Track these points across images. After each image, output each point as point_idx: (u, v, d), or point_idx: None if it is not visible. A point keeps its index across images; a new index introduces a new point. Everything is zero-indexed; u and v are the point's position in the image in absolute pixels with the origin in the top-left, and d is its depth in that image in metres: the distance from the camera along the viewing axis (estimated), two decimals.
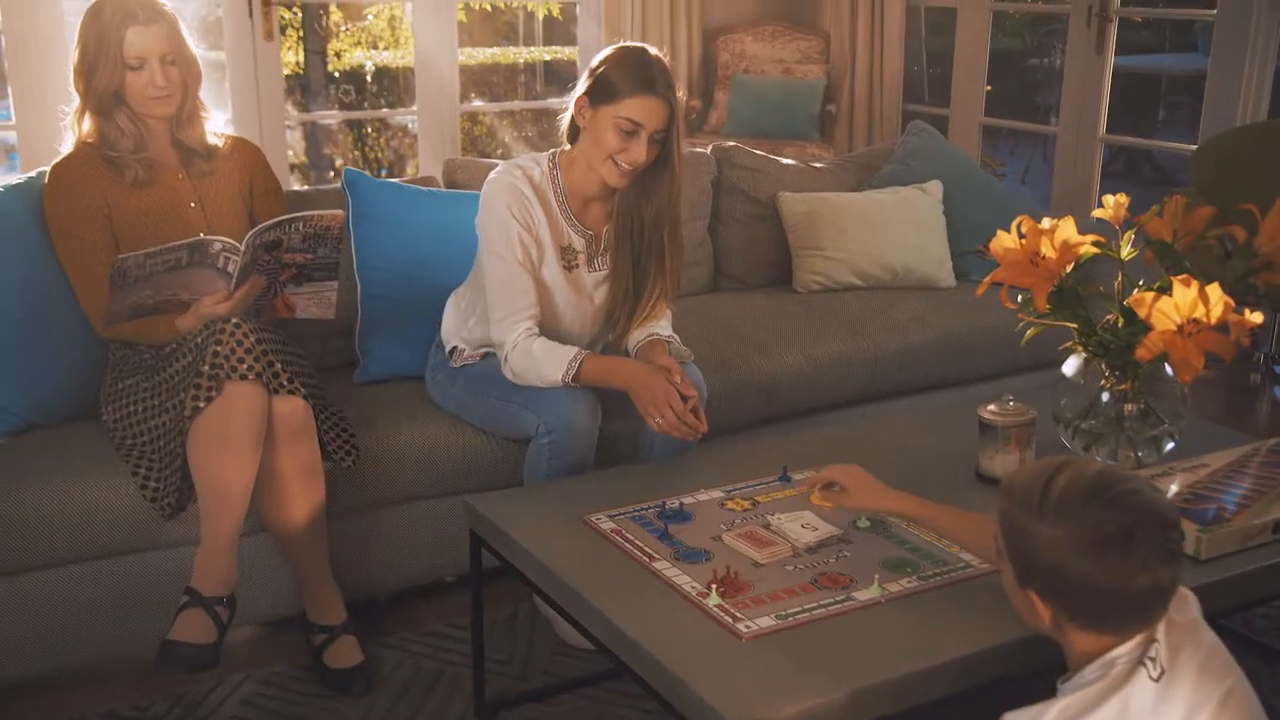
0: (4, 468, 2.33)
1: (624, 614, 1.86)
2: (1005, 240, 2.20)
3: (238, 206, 2.66)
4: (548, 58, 8.10)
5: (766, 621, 1.82)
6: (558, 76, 7.90)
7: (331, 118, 7.65)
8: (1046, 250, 2.14)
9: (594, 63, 2.47)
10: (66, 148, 2.57)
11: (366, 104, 7.59)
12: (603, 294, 2.62)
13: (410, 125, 7.36)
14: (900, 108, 5.86)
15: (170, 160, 2.60)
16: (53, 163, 2.56)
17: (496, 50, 8.20)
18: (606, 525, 2.14)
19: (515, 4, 8.03)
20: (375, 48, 7.91)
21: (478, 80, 7.85)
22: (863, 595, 1.89)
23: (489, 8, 8.05)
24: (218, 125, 2.69)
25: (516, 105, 7.70)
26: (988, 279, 2.26)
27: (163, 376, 2.41)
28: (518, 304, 2.48)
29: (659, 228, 2.56)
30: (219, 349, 2.27)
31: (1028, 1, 7.29)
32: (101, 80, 2.48)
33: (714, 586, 1.90)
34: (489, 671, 2.41)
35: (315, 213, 2.34)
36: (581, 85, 2.48)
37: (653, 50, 2.47)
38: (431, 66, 5.27)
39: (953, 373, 3.27)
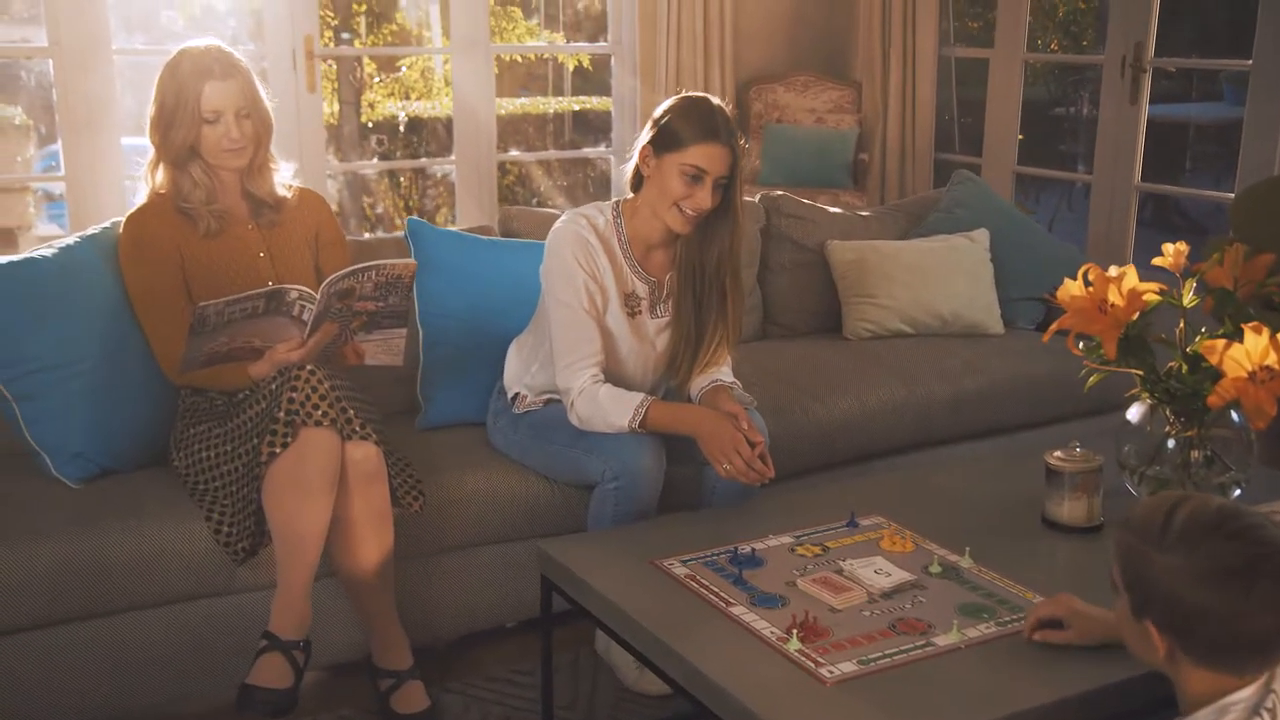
0: (80, 513, 2.36)
1: (706, 658, 1.87)
2: (1072, 288, 2.23)
3: (304, 256, 2.71)
4: (576, 107, 8.21)
5: (849, 667, 1.83)
6: (587, 126, 7.99)
7: (370, 168, 7.75)
8: (1114, 298, 2.16)
9: (658, 112, 2.52)
10: (140, 199, 2.62)
11: (398, 153, 7.68)
12: (665, 340, 2.66)
13: (443, 174, 7.47)
14: (932, 156, 5.91)
15: (240, 211, 2.66)
16: (127, 214, 2.61)
17: (525, 100, 8.31)
18: (679, 570, 2.15)
19: (546, 56, 8.14)
20: (407, 98, 8.02)
21: (508, 130, 7.95)
22: (943, 641, 1.90)
23: (519, 59, 8.17)
24: (285, 176, 2.74)
25: (553, 155, 7.79)
26: (1054, 325, 2.29)
27: (235, 423, 2.45)
28: (583, 350, 2.51)
29: (720, 274, 2.60)
30: (294, 395, 2.30)
31: (1060, 52, 7.36)
32: (178, 134, 2.54)
33: (794, 631, 1.91)
34: (555, 718, 2.41)
35: (388, 261, 2.38)
36: (646, 134, 2.53)
37: (715, 99, 2.52)
38: (470, 116, 5.35)
39: (1004, 419, 3.29)
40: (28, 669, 2.31)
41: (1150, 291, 2.20)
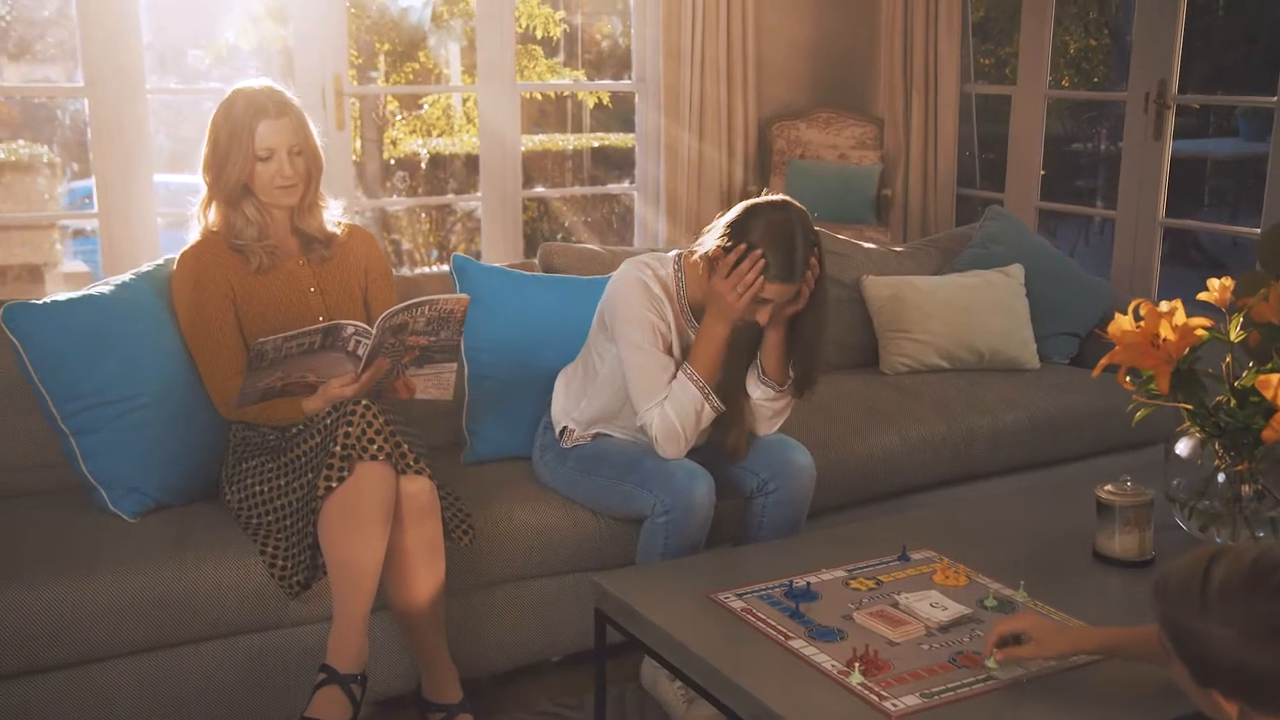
0: (137, 547, 2.38)
1: (769, 692, 1.88)
2: (1123, 323, 2.25)
3: (354, 291, 2.73)
4: (595, 144, 8.27)
5: (913, 700, 1.84)
6: (606, 161, 8.05)
7: (399, 204, 7.81)
8: (1166, 333, 2.18)
9: (741, 225, 2.46)
10: (193, 237, 2.65)
11: (420, 190, 7.74)
12: None
13: (466, 210, 7.53)
14: (954, 192, 5.95)
15: (291, 247, 2.69)
16: (180, 251, 2.64)
17: (544, 136, 8.37)
18: (735, 604, 2.16)
19: (566, 93, 8.22)
20: (429, 135, 8.08)
21: (529, 166, 8.02)
22: (1005, 674, 1.91)
23: (538, 96, 8.24)
24: (335, 214, 2.77)
25: (578, 190, 7.85)
26: (1104, 360, 2.30)
27: (289, 457, 2.47)
28: (664, 390, 2.52)
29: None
30: (349, 430, 2.32)
31: (1070, 88, 7.41)
32: (232, 171, 2.57)
33: (855, 664, 1.92)
34: None
35: (441, 296, 2.41)
36: (722, 241, 2.47)
37: (797, 215, 2.46)
38: (496, 153, 5.40)
39: (1043, 453, 3.30)
40: (88, 702, 2.32)
41: (1201, 327, 2.22)
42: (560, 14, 7.79)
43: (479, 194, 5.47)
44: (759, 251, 2.41)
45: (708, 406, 2.52)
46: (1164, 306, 2.24)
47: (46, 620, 2.23)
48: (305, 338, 2.33)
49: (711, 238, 2.51)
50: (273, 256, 2.64)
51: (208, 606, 2.36)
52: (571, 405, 2.74)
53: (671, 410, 2.50)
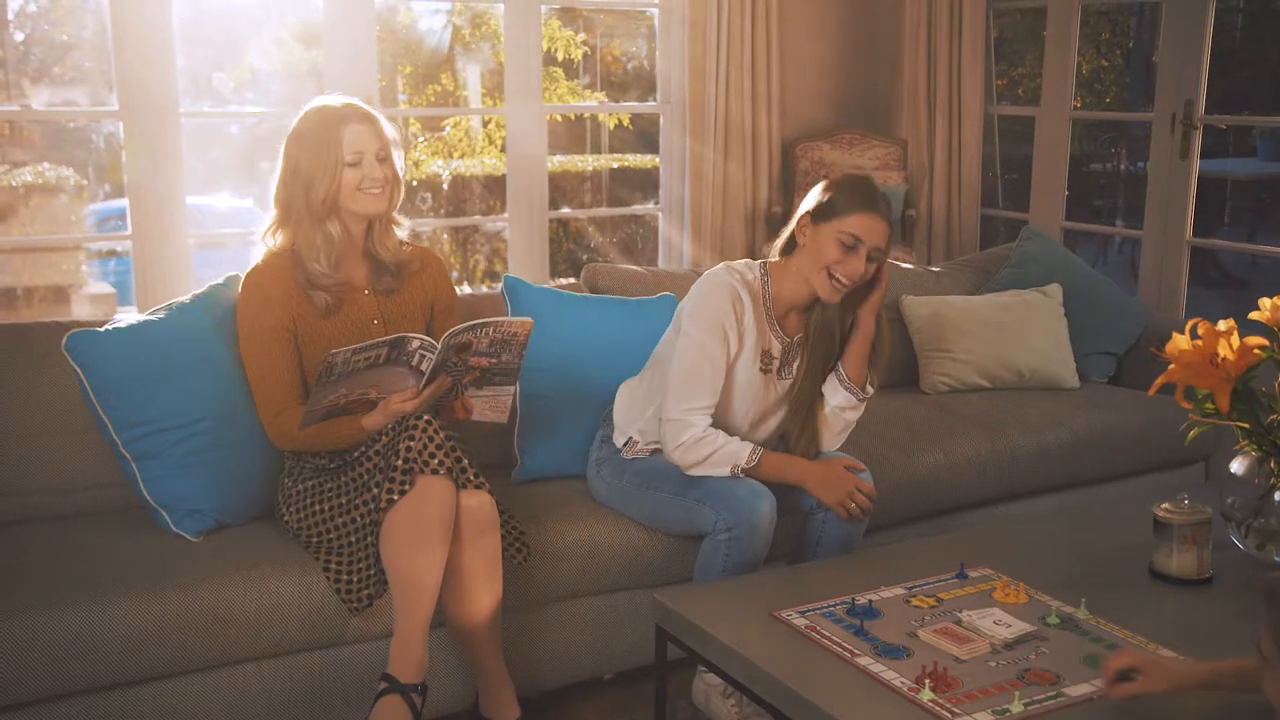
0: (202, 565, 2.40)
1: (841, 708, 1.89)
2: (1180, 342, 2.27)
3: (417, 323, 2.73)
4: (615, 165, 8.32)
5: (984, 717, 1.86)
6: (626, 182, 8.10)
7: (427, 225, 7.87)
8: (1225, 352, 2.21)
9: (819, 186, 2.63)
10: (257, 258, 2.64)
11: (442, 210, 7.79)
12: (782, 410, 2.73)
13: (491, 230, 7.57)
14: (978, 213, 5.98)
15: (359, 276, 2.67)
16: (246, 272, 2.63)
17: (564, 157, 8.43)
18: (799, 621, 2.18)
19: (585, 116, 8.27)
20: (449, 157, 8.14)
21: (550, 187, 8.06)
22: (1075, 691, 1.93)
23: (558, 118, 8.29)
24: (403, 235, 2.76)
25: (603, 211, 7.89)
26: (1160, 379, 2.32)
27: (349, 476, 2.49)
28: (707, 399, 2.58)
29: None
30: (411, 444, 2.35)
31: (1083, 109, 7.45)
32: (319, 187, 2.54)
33: (925, 681, 1.94)
34: None
35: (505, 319, 2.43)
36: (807, 204, 2.62)
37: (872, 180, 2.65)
38: (523, 174, 5.44)
39: (1086, 472, 3.32)
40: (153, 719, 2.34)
41: (1259, 346, 2.24)
42: (581, 36, 7.85)
43: (506, 215, 5.51)
44: (837, 180, 2.59)
45: (728, 470, 2.56)
46: (1221, 326, 2.26)
47: (116, 638, 2.25)
48: (373, 350, 2.35)
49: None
50: (338, 295, 2.61)
51: (270, 624, 2.38)
52: (637, 415, 2.77)
53: (707, 454, 2.56)
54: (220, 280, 2.75)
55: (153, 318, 2.63)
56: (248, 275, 2.62)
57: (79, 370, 2.49)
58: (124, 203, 4.75)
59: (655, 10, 5.65)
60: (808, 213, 2.60)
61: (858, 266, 2.54)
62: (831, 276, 2.55)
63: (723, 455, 2.54)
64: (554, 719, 2.73)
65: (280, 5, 6.95)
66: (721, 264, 2.68)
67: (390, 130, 2.65)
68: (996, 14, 5.95)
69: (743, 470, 2.54)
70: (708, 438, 2.55)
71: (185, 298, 2.71)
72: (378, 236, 2.67)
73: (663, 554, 2.72)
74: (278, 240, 2.63)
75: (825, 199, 2.58)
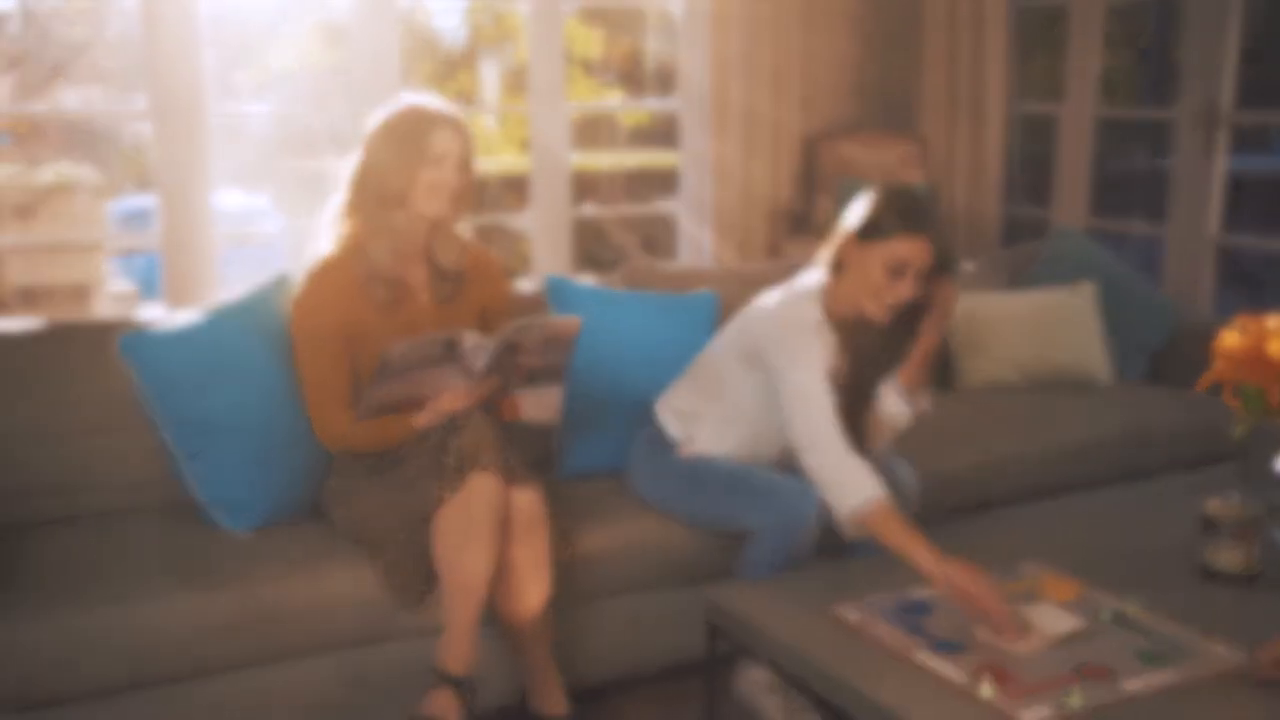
0: (253, 561, 2.43)
1: (901, 703, 1.91)
2: (1229, 339, 2.28)
3: (470, 328, 2.73)
4: (634, 162, 8.34)
5: (1045, 711, 1.87)
6: (646, 180, 8.12)
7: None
8: (1275, 350, 2.22)
9: (863, 199, 2.57)
10: (324, 246, 2.65)
11: None
12: None
13: (510, 228, 7.57)
14: (999, 210, 5.98)
15: (417, 280, 2.68)
16: (312, 268, 2.63)
17: (580, 154, 8.46)
18: (853, 616, 2.20)
19: (603, 113, 8.28)
20: None
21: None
22: (1131, 686, 1.94)
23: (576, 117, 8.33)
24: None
25: (628, 210, 7.90)
26: (1207, 376, 2.34)
27: (398, 473, 2.51)
28: (834, 430, 2.46)
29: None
30: (462, 442, 2.36)
31: (1108, 107, 7.44)
32: (396, 178, 2.56)
33: (985, 675, 1.95)
34: None
35: (554, 318, 2.45)
36: (851, 220, 2.57)
37: (919, 192, 2.56)
38: (547, 172, 5.45)
39: (1124, 468, 3.33)
40: (205, 715, 2.35)
41: None
42: (600, 33, 7.87)
43: (529, 212, 5.52)
44: (882, 196, 2.52)
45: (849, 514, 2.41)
46: (1272, 323, 2.27)
47: (171, 633, 2.27)
48: (428, 347, 2.37)
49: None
50: (395, 292, 2.63)
51: (322, 619, 2.40)
52: (687, 423, 2.77)
53: (837, 494, 2.41)
54: (270, 280, 2.76)
55: (203, 318, 2.64)
56: (311, 275, 2.62)
57: (134, 371, 2.51)
58: (144, 200, 4.77)
59: (677, 7, 5.67)
60: (853, 232, 2.56)
61: (906, 291, 2.51)
62: (880, 299, 2.52)
63: (849, 485, 2.40)
64: (595, 716, 2.74)
65: (301, 5, 6.98)
66: (789, 297, 2.62)
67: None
68: (1017, 12, 5.96)
69: (852, 514, 2.38)
70: (836, 481, 2.42)
71: (234, 297, 2.73)
72: (440, 242, 2.68)
73: (704, 551, 2.73)
74: (343, 228, 2.64)
75: (871, 217, 2.53)
